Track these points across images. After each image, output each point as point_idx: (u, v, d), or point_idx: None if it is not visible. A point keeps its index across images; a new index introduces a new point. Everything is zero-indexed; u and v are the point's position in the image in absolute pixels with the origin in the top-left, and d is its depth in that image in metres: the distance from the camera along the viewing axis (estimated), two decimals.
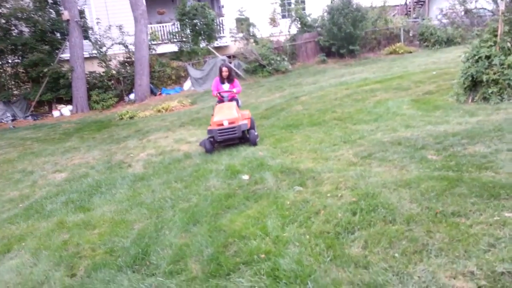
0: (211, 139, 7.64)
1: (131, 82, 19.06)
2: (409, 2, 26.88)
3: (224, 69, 8.27)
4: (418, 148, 5.90)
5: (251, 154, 6.96)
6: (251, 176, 5.86)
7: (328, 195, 4.68)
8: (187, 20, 20.19)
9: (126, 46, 19.41)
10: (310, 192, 4.86)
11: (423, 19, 22.13)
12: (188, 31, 20.54)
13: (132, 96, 18.93)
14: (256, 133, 7.91)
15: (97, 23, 19.97)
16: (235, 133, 7.43)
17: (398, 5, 26.64)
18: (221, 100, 8.23)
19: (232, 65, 19.23)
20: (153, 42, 20.68)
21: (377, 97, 10.62)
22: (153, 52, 20.10)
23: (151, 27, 21.56)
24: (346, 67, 18.13)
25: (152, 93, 18.98)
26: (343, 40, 19.27)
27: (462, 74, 8.62)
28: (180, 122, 12.23)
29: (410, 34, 21.45)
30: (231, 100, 8.16)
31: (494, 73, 8.02)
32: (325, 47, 20.20)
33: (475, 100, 8.44)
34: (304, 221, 4.10)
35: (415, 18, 24.15)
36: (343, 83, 13.78)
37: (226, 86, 8.36)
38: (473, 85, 8.53)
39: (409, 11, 26.29)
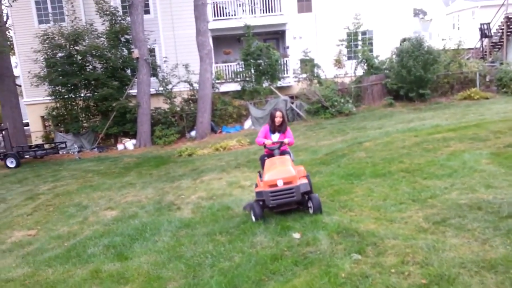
0: (261, 203, 6.07)
1: (193, 119, 19.27)
2: (485, 46, 25.36)
3: (278, 113, 6.69)
4: (503, 217, 4.96)
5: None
6: (302, 235, 5.20)
7: (392, 270, 3.91)
8: (251, 60, 20.32)
9: (191, 84, 19.79)
10: (370, 263, 4.10)
11: (501, 63, 20.61)
12: (252, 70, 20.64)
13: (193, 133, 19.09)
14: (318, 197, 6.27)
15: (165, 61, 20.66)
16: (292, 196, 5.85)
17: (473, 48, 25.24)
18: (270, 154, 6.62)
19: (294, 106, 18.89)
20: (217, 81, 20.96)
21: (450, 147, 9.57)
22: (217, 90, 20.33)
23: (216, 66, 21.96)
24: (415, 112, 17.02)
25: (213, 130, 19.02)
26: (412, 83, 18.28)
27: None
28: (236, 163, 11.88)
29: (487, 79, 19.96)
30: (282, 153, 6.57)
31: None
32: (393, 90, 19.27)
33: None
34: None
35: (491, 62, 22.62)
36: (411, 130, 12.78)
37: (275, 137, 6.76)
38: None
39: (485, 54, 24.74)
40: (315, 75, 20.22)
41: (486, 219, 4.95)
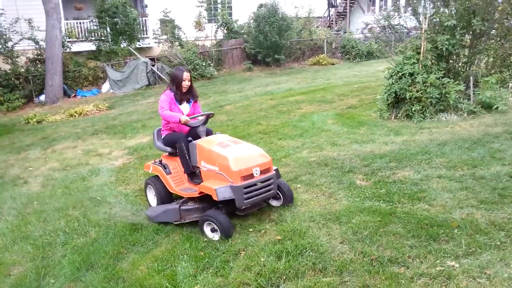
0: (220, 206, 4.35)
1: (42, 82, 17.28)
2: (332, 15, 27.56)
3: (186, 75, 4.88)
4: (346, 171, 5.56)
5: None
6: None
7: (250, 229, 4.11)
8: (106, 18, 18.80)
9: (37, 42, 17.61)
10: None
11: (345, 32, 22.71)
12: (107, 29, 19.16)
13: (42, 97, 17.16)
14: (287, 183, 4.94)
15: (1, 14, 17.89)
16: (270, 189, 4.34)
17: (321, 17, 27.20)
18: (194, 134, 4.82)
19: (155, 68, 18.23)
20: (68, 39, 19.04)
21: (302, 109, 10.35)
22: (68, 50, 18.49)
23: (67, 23, 19.93)
24: (272, 76, 17.90)
25: (66, 94, 17.37)
26: (269, 48, 19.12)
27: (386, 90, 8.56)
28: (93, 129, 11.09)
29: (333, 46, 21.88)
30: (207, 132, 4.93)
31: (417, 91, 8.02)
32: (251, 55, 19.92)
33: (398, 117, 8.42)
34: (221, 266, 3.48)
35: (337, 30, 24.79)
36: (268, 93, 13.45)
37: (185, 108, 5.02)
38: (396, 102, 8.50)
39: (332, 23, 26.95)
40: (176, 37, 19.73)
41: (332, 175, 5.48)
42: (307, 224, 4.02)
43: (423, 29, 8.38)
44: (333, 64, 20.15)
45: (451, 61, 8.82)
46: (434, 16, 8.71)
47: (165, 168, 4.90)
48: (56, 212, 5.29)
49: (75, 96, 17.58)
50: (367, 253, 3.42)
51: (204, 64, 18.67)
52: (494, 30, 8.64)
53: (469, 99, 8.26)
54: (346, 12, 26.75)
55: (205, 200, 4.42)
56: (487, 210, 4.06)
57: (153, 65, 18.39)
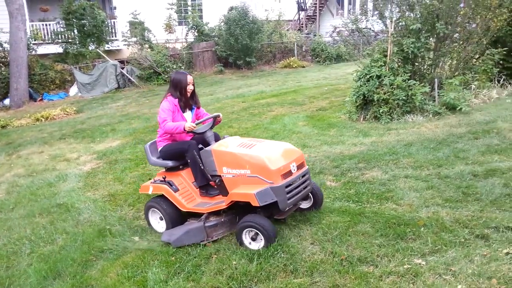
0: (259, 210, 3.87)
1: (6, 86, 16.74)
2: (302, 18, 27.86)
3: (190, 79, 4.53)
4: (316, 172, 5.64)
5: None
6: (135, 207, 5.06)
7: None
8: (74, 19, 18.40)
9: (1, 45, 17.11)
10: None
11: (315, 35, 23.01)
12: (75, 31, 18.74)
13: (7, 101, 16.61)
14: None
15: None
16: (307, 186, 4.08)
17: (291, 20, 27.45)
18: (202, 141, 4.46)
19: (124, 71, 17.95)
20: (33, 42, 18.52)
21: (273, 112, 10.42)
22: (34, 52, 17.98)
23: (32, 25, 19.41)
24: (243, 79, 17.94)
25: (32, 98, 16.87)
26: (240, 51, 19.15)
27: (354, 92, 8.72)
28: (61, 134, 10.82)
29: (303, 49, 22.14)
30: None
31: (385, 93, 8.21)
32: (223, 57, 19.91)
33: (366, 118, 8.59)
34: (192, 270, 3.46)
35: (307, 33, 25.08)
36: (240, 96, 13.47)
37: (189, 115, 4.61)
38: (365, 103, 8.67)
39: (302, 26, 27.24)
40: (146, 39, 19.49)
41: None
42: (278, 226, 4.05)
43: (390, 32, 8.59)
44: (303, 67, 20.37)
45: (416, 63, 9.07)
46: (400, 20, 8.95)
47: (171, 185, 4.30)
48: (22, 219, 5.13)
49: (41, 100, 17.09)
50: (337, 253, 3.48)
51: (175, 67, 18.52)
52: (457, 34, 8.94)
53: (434, 101, 8.51)
54: (316, 15, 27.11)
55: (232, 211, 4.11)
56: (451, 208, 4.19)
57: (122, 68, 18.11)
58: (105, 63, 17.96)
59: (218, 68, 19.55)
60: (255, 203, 3.61)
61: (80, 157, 8.20)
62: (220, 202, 4.06)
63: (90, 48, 18.87)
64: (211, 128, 4.41)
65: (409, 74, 8.52)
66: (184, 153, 4.25)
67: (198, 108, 4.73)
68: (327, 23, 26.09)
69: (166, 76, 18.10)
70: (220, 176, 4.09)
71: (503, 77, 9.43)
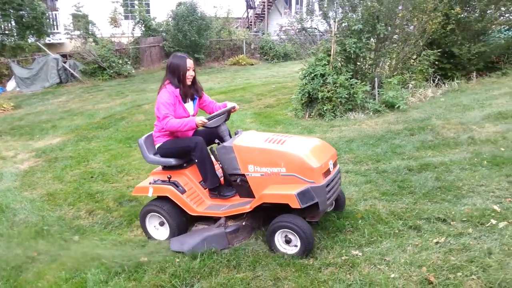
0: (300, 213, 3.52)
1: None
2: (250, 16, 28.02)
3: (190, 63, 3.92)
4: None
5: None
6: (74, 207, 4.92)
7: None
8: (10, 10, 17.40)
9: None
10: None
11: (263, 34, 23.25)
12: (12, 23, 17.73)
13: None
14: None
15: None
16: (339, 185, 3.85)
17: (240, 18, 27.54)
18: (215, 135, 3.92)
19: (67, 65, 17.25)
20: None
21: None
22: None
23: None
24: None
25: None
26: (188, 47, 18.97)
27: (300, 90, 8.93)
28: None
29: (252, 47, 22.31)
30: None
31: (328, 91, 8.46)
32: (170, 53, 19.60)
33: (311, 115, 8.82)
34: (134, 270, 3.42)
35: (256, 31, 25.28)
36: None
37: (190, 106, 4.04)
38: (310, 101, 8.90)
39: (251, 24, 27.41)
40: (90, 32, 18.84)
41: None
42: None
43: (333, 32, 8.86)
44: (252, 64, 20.52)
45: (358, 63, 9.42)
46: (343, 20, 9.25)
47: (177, 187, 3.80)
48: None
49: None
50: None
51: (120, 61, 18.05)
52: (396, 35, 9.38)
53: (374, 99, 8.88)
54: (264, 14, 27.35)
55: (256, 214, 3.73)
56: (388, 201, 4.41)
57: (64, 62, 17.41)
58: (46, 57, 17.19)
59: (165, 63, 19.28)
60: (295, 205, 3.28)
61: (17, 155, 7.83)
62: (241, 204, 3.68)
63: (29, 40, 17.93)
64: (226, 120, 3.91)
65: (351, 73, 8.83)
66: (191, 152, 3.80)
67: (201, 97, 4.13)
68: (275, 22, 26.41)
69: (112, 71, 17.60)
70: (243, 175, 3.69)
71: (438, 77, 10.00)
